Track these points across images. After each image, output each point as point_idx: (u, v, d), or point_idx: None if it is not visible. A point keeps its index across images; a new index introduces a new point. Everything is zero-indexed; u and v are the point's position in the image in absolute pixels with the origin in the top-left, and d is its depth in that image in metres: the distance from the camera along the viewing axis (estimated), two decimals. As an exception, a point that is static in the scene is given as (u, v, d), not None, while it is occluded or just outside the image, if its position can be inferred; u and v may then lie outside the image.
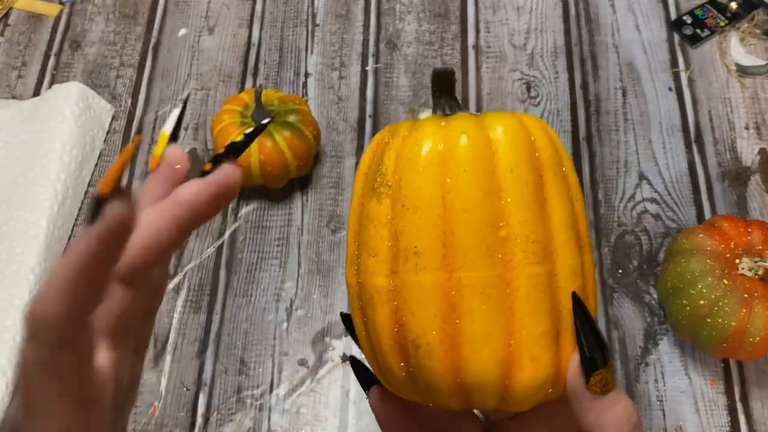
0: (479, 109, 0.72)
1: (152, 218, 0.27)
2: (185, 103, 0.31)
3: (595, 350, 0.28)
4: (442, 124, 0.30)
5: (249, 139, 0.32)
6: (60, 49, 0.78)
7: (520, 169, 0.29)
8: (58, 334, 0.23)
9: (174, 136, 0.33)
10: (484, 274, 0.28)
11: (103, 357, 0.27)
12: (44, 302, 0.23)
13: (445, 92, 0.32)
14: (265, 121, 0.34)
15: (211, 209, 0.29)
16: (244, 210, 0.68)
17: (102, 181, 0.27)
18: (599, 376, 0.28)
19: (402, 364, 0.30)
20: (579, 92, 0.72)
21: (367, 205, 0.31)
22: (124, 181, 0.70)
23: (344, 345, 0.61)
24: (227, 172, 0.29)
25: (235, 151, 0.31)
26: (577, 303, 0.29)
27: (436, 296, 0.28)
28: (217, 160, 0.30)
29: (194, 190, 0.28)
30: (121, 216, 0.23)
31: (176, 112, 0.33)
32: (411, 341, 0.29)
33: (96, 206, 0.24)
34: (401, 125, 0.32)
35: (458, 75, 0.74)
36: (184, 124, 0.72)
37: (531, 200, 0.28)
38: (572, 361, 0.29)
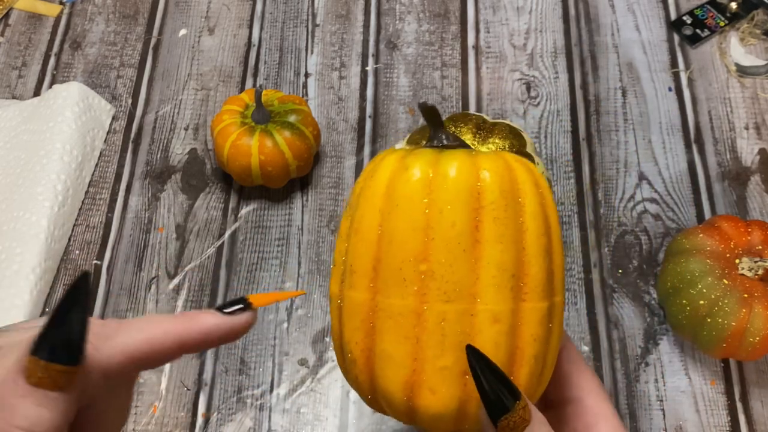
0: (479, 109, 0.72)
1: (166, 326, 0.28)
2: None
3: (497, 397, 0.28)
4: (406, 158, 0.32)
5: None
6: (60, 50, 0.78)
7: (450, 210, 0.29)
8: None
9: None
10: (396, 302, 0.29)
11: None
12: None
13: (434, 125, 0.34)
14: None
15: (212, 345, 0.29)
16: (244, 210, 0.68)
17: (259, 295, 0.30)
18: (506, 420, 0.28)
19: (342, 368, 0.33)
20: (579, 92, 0.72)
21: (342, 218, 0.34)
22: (124, 182, 0.70)
23: (344, 345, 0.61)
24: (247, 320, 0.30)
25: (247, 308, 0.32)
26: (472, 352, 0.29)
27: (360, 312, 0.31)
28: (241, 304, 0.30)
29: (213, 324, 0.29)
30: (245, 329, 0.28)
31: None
32: (343, 347, 0.32)
33: (236, 304, 0.28)
34: (394, 152, 0.34)
35: (458, 75, 0.74)
36: (184, 125, 0.72)
37: (454, 242, 0.29)
38: (480, 404, 0.29)
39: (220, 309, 0.30)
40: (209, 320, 0.29)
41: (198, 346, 0.29)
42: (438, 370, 0.29)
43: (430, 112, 0.33)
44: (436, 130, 0.34)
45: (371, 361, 0.31)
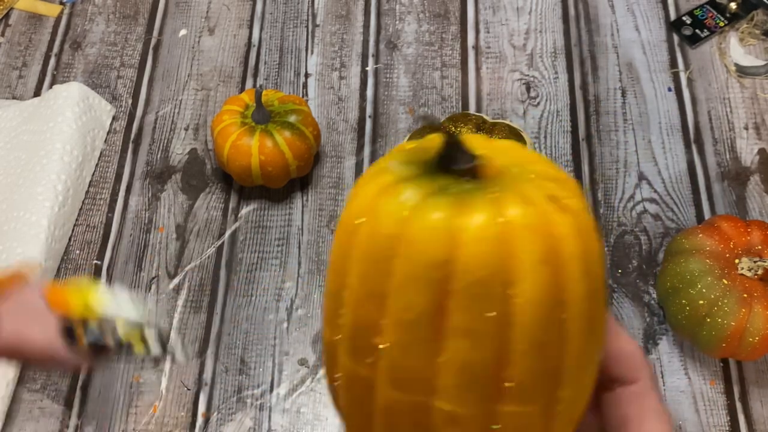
0: (479, 109, 0.72)
1: None
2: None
3: None
4: (383, 194, 0.25)
5: None
6: (60, 50, 0.78)
7: (410, 288, 0.23)
8: None
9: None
10: (351, 366, 0.25)
11: None
12: None
13: (454, 150, 0.25)
14: None
15: None
16: (245, 210, 0.68)
17: None
18: None
19: None
20: (578, 93, 0.73)
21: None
22: (124, 182, 0.70)
23: (344, 345, 0.61)
24: None
25: None
26: None
27: (330, 350, 0.27)
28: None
29: None
30: None
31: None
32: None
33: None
34: (380, 175, 0.26)
35: (458, 75, 0.74)
36: (184, 125, 0.73)
37: (410, 326, 0.23)
38: None
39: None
40: None
41: None
42: None
43: (449, 140, 0.25)
44: (450, 149, 0.25)
45: (342, 410, 0.27)
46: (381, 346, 0.24)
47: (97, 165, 0.71)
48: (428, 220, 0.23)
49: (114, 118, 0.73)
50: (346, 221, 0.25)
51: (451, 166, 0.24)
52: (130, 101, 0.74)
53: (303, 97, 0.73)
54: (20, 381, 0.60)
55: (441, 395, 0.24)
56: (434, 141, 0.25)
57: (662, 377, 0.59)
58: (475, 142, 0.25)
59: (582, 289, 0.23)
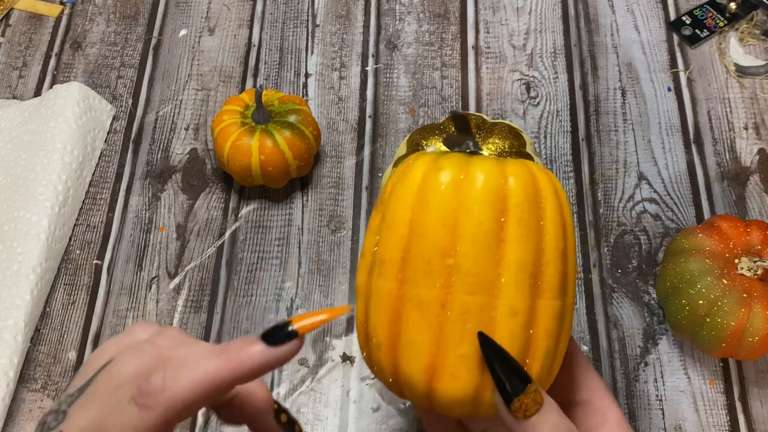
0: (479, 109, 0.72)
1: (216, 370, 0.29)
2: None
3: (509, 380, 0.31)
4: (438, 160, 0.34)
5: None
6: (61, 50, 0.78)
7: (478, 211, 0.32)
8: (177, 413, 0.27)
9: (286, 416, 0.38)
10: (423, 292, 0.32)
11: None
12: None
13: (465, 132, 0.37)
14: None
15: (260, 375, 0.31)
16: (245, 210, 0.68)
17: (304, 322, 0.30)
18: (519, 402, 0.31)
19: (365, 353, 0.36)
20: (578, 93, 0.73)
21: (372, 215, 0.36)
22: (125, 182, 0.70)
23: (344, 344, 0.61)
24: (294, 349, 0.31)
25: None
26: (484, 340, 0.31)
27: (387, 301, 0.33)
28: (287, 330, 0.31)
29: (262, 359, 0.30)
30: (291, 357, 0.29)
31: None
32: (369, 334, 0.34)
33: (281, 330, 0.29)
34: (426, 154, 0.36)
35: (458, 75, 0.74)
36: (184, 125, 0.73)
37: (481, 239, 0.31)
38: (495, 388, 0.31)
39: (265, 338, 0.30)
40: (258, 356, 0.30)
41: (248, 380, 0.30)
42: (458, 357, 0.31)
43: (461, 120, 0.36)
44: (465, 137, 0.36)
45: (396, 346, 0.33)
46: (455, 262, 0.31)
47: (97, 165, 0.71)
48: (485, 165, 0.33)
49: (114, 118, 0.73)
50: (408, 180, 0.33)
51: (461, 148, 0.37)
52: (130, 101, 0.74)
53: (303, 97, 0.74)
54: (20, 381, 0.60)
55: (504, 293, 0.31)
56: (450, 127, 0.40)
57: (662, 377, 0.59)
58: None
59: (570, 219, 0.34)
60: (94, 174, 0.70)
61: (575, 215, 0.66)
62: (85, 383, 0.29)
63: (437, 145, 0.58)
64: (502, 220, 0.31)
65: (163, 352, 0.29)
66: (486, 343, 0.31)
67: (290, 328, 0.30)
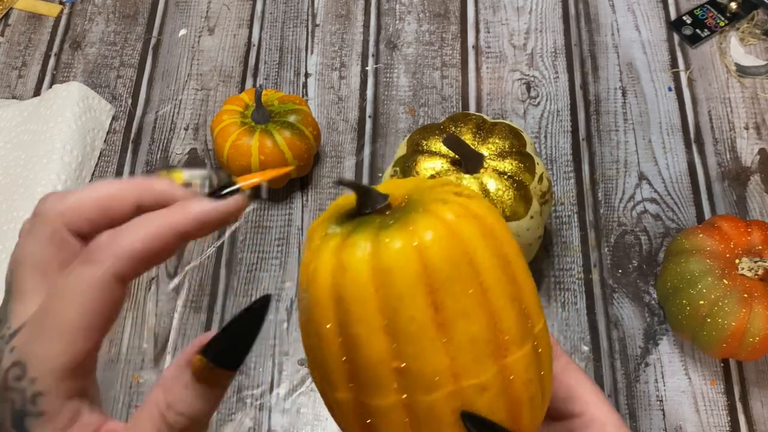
0: (479, 109, 0.72)
1: (160, 221, 0.28)
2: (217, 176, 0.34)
3: None
4: (341, 253, 0.29)
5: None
6: (60, 50, 0.78)
7: (404, 305, 0.28)
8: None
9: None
10: (381, 402, 0.29)
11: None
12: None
13: (360, 192, 0.30)
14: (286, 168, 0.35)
15: (208, 231, 0.29)
16: (245, 210, 0.68)
17: (245, 177, 0.29)
18: None
19: None
20: (579, 92, 0.72)
21: (298, 313, 0.33)
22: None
23: (344, 345, 0.61)
24: (237, 203, 0.30)
25: (253, 191, 0.32)
26: (467, 419, 0.28)
27: (350, 411, 0.30)
28: (228, 189, 0.30)
29: (206, 209, 0.29)
30: (237, 213, 0.28)
31: (206, 173, 0.34)
32: None
33: (223, 188, 0.28)
34: (326, 244, 0.30)
35: (458, 75, 0.74)
36: (184, 125, 0.73)
37: (418, 335, 0.28)
38: None
39: (210, 195, 0.30)
40: (201, 207, 0.29)
41: (195, 233, 0.29)
42: None
43: (357, 189, 0.30)
44: (364, 196, 0.30)
45: None
46: (402, 365, 0.28)
47: (96, 165, 0.71)
48: (392, 243, 0.28)
49: (114, 118, 0.73)
50: (318, 288, 0.29)
51: (369, 210, 0.30)
52: (129, 101, 0.74)
53: (303, 96, 0.73)
54: (20, 381, 0.60)
55: (465, 375, 0.28)
56: (350, 198, 0.31)
57: (663, 377, 0.59)
58: (381, 187, 0.31)
59: (511, 243, 0.30)
60: (93, 174, 0.70)
61: (575, 215, 0.66)
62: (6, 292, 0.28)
63: (437, 145, 0.58)
64: (435, 302, 0.27)
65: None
66: (471, 422, 0.28)
67: (234, 185, 0.30)
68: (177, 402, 0.26)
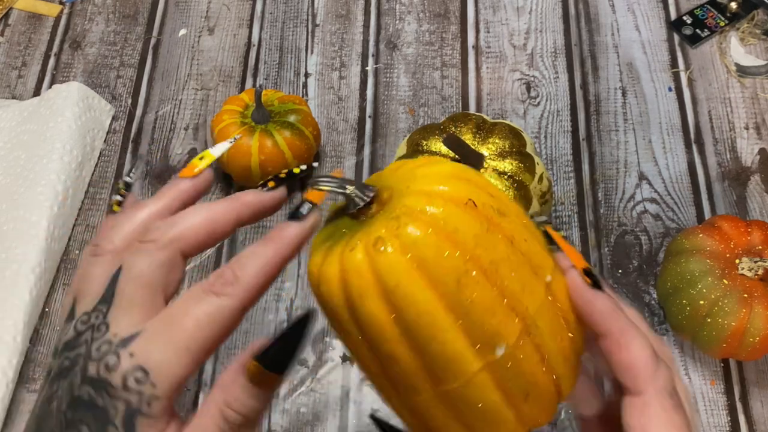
0: (479, 109, 0.72)
1: (222, 207, 0.32)
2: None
3: None
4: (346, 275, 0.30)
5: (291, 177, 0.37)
6: (60, 50, 0.78)
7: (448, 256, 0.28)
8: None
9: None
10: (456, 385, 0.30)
11: None
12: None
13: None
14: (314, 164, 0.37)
15: (260, 217, 0.34)
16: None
17: (313, 192, 0.33)
18: None
19: None
20: (579, 92, 0.72)
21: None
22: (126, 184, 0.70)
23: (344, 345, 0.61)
24: (283, 194, 0.35)
25: (291, 178, 0.36)
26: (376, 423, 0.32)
27: (435, 409, 0.31)
28: (278, 180, 0.35)
29: (261, 197, 0.34)
30: (281, 202, 0.34)
31: (227, 144, 0.37)
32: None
33: (302, 209, 0.32)
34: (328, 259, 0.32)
35: (458, 75, 0.74)
36: (184, 125, 0.72)
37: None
38: None
39: (291, 217, 0.33)
40: (252, 197, 0.33)
41: (249, 219, 0.33)
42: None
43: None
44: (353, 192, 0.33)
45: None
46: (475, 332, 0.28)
47: (96, 165, 0.71)
48: (417, 238, 0.28)
49: (114, 118, 0.73)
50: (345, 296, 0.29)
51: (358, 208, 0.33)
52: (129, 101, 0.74)
53: (303, 96, 0.73)
54: (19, 381, 0.60)
55: (522, 304, 0.29)
56: (337, 205, 0.35)
57: (662, 377, 0.59)
58: (369, 180, 0.33)
59: (504, 197, 0.31)
60: (93, 174, 0.70)
61: (576, 215, 0.66)
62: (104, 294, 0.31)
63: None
64: (480, 267, 0.28)
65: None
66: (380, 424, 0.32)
67: (306, 204, 0.34)
68: (234, 401, 0.29)
